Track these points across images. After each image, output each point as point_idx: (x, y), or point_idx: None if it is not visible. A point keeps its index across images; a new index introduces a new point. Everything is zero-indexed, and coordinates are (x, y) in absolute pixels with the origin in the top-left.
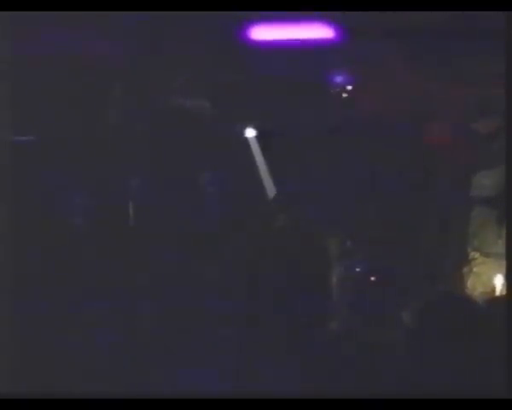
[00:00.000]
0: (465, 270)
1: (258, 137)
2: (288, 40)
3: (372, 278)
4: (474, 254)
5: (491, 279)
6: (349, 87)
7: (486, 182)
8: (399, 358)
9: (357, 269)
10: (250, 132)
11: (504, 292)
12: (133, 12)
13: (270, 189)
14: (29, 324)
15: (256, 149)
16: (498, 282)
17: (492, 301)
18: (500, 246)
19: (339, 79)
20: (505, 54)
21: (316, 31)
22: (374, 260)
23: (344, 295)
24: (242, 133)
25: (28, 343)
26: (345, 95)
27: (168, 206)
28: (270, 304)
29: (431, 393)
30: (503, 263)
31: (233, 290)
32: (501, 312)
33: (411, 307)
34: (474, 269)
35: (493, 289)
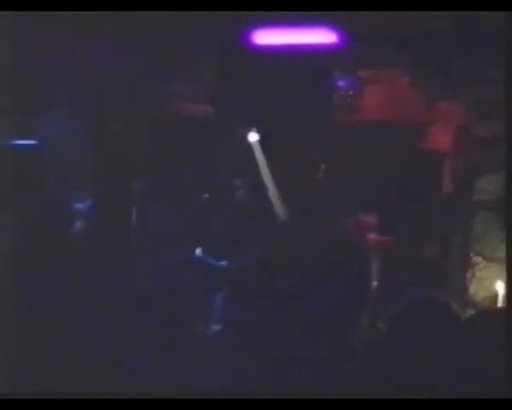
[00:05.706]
0: (468, 275)
1: (261, 141)
2: (289, 44)
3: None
4: (476, 259)
5: (493, 284)
6: (351, 91)
7: (490, 187)
8: (400, 358)
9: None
10: (252, 136)
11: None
12: (133, 12)
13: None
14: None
15: (259, 151)
16: (501, 286)
17: (494, 304)
18: (503, 251)
19: (340, 82)
20: (505, 54)
21: (317, 35)
22: (375, 264)
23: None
24: (245, 136)
25: (27, 343)
26: (347, 98)
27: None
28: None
29: (431, 393)
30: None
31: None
32: (502, 313)
33: (410, 308)
34: (477, 274)
35: (496, 294)
